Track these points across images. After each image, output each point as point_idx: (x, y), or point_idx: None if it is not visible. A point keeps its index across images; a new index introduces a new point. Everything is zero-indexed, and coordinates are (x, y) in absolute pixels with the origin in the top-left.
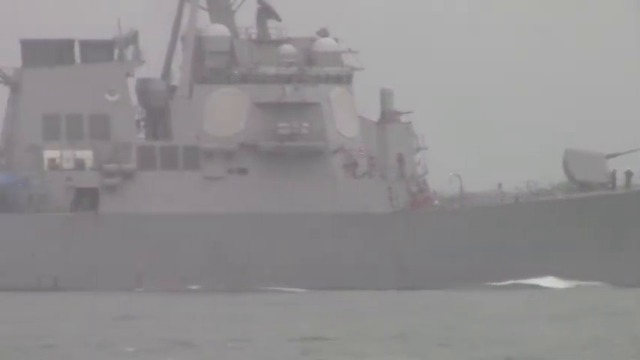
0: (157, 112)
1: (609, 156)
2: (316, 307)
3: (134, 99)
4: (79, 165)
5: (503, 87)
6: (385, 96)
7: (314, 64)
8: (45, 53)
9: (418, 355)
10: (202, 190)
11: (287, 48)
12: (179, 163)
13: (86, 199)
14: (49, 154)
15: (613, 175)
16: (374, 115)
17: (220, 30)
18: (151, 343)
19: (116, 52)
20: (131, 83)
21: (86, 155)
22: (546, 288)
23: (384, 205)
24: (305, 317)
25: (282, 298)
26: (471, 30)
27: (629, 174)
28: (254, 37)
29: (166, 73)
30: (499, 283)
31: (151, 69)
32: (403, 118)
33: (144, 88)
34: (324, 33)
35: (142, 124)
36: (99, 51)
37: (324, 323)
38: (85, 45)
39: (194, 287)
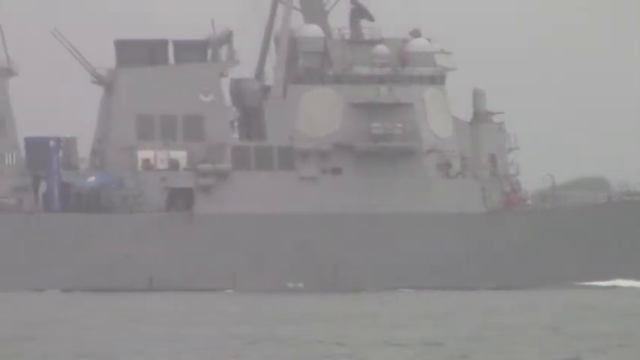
0: (250, 112)
1: None
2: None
3: (228, 99)
4: (173, 165)
5: (594, 86)
6: (477, 96)
7: (407, 65)
8: (139, 53)
9: None
10: (297, 190)
11: (380, 48)
12: (274, 163)
13: (180, 199)
14: (143, 154)
15: None
16: (466, 116)
17: (314, 30)
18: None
19: (210, 52)
20: (224, 83)
21: (180, 156)
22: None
23: (478, 204)
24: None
25: (389, 298)
26: (563, 29)
27: None
28: (347, 37)
29: (260, 73)
30: (592, 283)
31: (244, 69)
32: (495, 119)
33: (238, 88)
34: (416, 33)
35: (236, 124)
36: (193, 51)
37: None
38: (179, 45)
39: (287, 287)
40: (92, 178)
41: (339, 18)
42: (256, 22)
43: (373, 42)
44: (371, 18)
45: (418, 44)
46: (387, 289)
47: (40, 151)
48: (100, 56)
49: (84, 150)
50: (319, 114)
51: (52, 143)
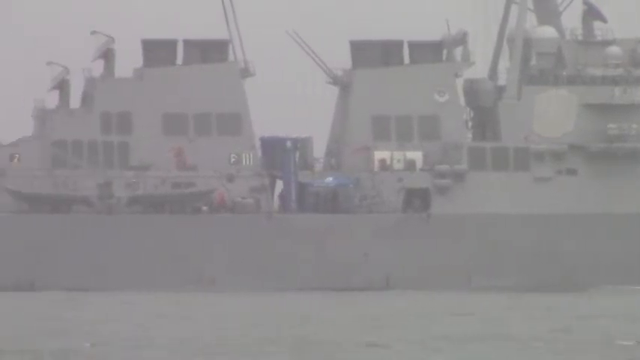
0: (484, 112)
1: None
2: None
3: (462, 99)
4: (410, 166)
5: None
6: None
7: (639, 66)
8: (374, 54)
9: None
10: (532, 191)
11: (613, 49)
12: (509, 164)
13: (417, 199)
14: (380, 155)
15: None
16: None
17: (548, 31)
18: None
19: (444, 52)
20: (459, 84)
21: (416, 156)
22: None
23: None
24: None
25: None
26: None
27: None
28: (580, 38)
29: (493, 73)
30: None
31: (476, 69)
32: None
33: (472, 88)
34: None
35: (470, 124)
36: (427, 51)
37: None
38: (414, 46)
39: (517, 285)
40: (330, 179)
41: (570, 18)
42: (489, 22)
43: (606, 43)
44: (604, 19)
45: None
46: (619, 287)
47: (276, 151)
48: (335, 57)
49: (318, 150)
50: (554, 115)
51: (289, 143)
